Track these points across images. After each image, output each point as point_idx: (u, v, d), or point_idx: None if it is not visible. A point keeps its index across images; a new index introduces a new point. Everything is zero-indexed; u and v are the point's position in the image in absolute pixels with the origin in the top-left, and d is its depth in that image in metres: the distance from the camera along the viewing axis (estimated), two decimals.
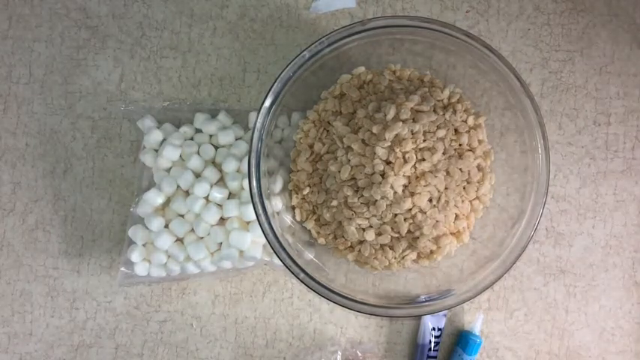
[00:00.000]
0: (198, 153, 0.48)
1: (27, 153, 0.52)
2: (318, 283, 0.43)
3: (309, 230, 0.47)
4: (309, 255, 0.47)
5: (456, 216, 0.45)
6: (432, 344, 0.50)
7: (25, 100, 0.52)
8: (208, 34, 0.52)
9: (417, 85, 0.46)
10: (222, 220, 0.47)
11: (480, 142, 0.46)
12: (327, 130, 0.46)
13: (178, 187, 0.47)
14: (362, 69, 0.48)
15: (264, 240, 0.46)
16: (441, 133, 0.43)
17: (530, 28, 0.52)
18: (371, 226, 0.44)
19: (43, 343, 0.51)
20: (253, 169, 0.42)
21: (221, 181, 0.48)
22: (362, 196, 0.43)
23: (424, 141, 0.43)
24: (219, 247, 0.47)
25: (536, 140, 0.44)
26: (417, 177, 0.43)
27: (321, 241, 0.47)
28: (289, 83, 0.43)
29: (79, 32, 0.52)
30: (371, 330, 0.51)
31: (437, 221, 0.43)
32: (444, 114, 0.44)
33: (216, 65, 0.52)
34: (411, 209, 0.43)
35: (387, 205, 0.43)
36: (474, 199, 0.46)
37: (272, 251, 0.43)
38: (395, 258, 0.45)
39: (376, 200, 0.43)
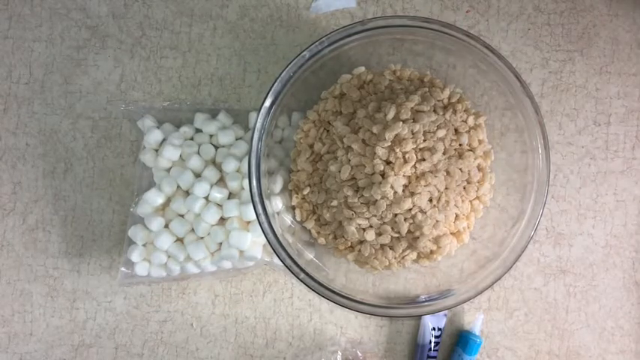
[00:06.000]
0: (198, 153, 0.48)
1: (27, 153, 0.52)
2: (318, 283, 0.43)
3: (309, 230, 0.47)
4: (309, 255, 0.47)
5: (456, 216, 0.45)
6: (432, 344, 0.50)
7: (25, 100, 0.52)
8: (208, 34, 0.52)
9: (417, 85, 0.46)
10: (222, 220, 0.47)
11: (480, 142, 0.46)
12: (327, 130, 0.46)
13: (178, 187, 0.47)
14: (362, 69, 0.48)
15: (264, 240, 0.46)
16: (441, 133, 0.43)
17: (530, 28, 0.52)
18: (371, 226, 0.44)
19: (43, 343, 0.51)
20: (253, 169, 0.42)
21: (221, 181, 0.48)
22: (362, 196, 0.43)
23: (424, 141, 0.43)
24: (219, 247, 0.47)
25: (536, 140, 0.44)
26: (417, 177, 0.43)
27: (321, 241, 0.47)
28: (289, 83, 0.43)
29: (79, 32, 0.52)
30: (371, 330, 0.51)
31: (437, 221, 0.43)
32: (444, 114, 0.44)
33: (216, 65, 0.52)
34: (411, 209, 0.43)
35: (387, 205, 0.42)
36: (474, 199, 0.46)
37: (272, 251, 0.43)
38: (395, 258, 0.45)
39: (376, 200, 0.43)
